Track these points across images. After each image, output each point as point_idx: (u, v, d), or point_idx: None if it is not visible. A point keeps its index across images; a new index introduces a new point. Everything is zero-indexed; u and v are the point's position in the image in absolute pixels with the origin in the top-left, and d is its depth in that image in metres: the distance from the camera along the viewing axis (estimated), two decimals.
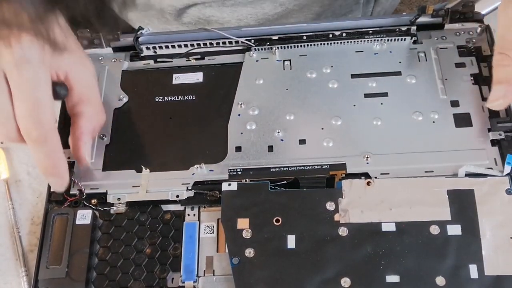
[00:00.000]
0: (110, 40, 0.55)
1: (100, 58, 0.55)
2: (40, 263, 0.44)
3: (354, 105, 0.50)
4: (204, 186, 0.47)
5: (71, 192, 0.48)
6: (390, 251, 0.42)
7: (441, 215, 0.43)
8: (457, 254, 0.41)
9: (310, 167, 0.47)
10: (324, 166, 0.47)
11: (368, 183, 0.45)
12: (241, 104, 0.51)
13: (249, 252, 0.43)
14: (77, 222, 0.46)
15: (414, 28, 0.53)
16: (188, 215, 0.46)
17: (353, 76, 0.52)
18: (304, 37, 0.54)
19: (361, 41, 0.53)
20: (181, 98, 0.53)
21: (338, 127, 0.49)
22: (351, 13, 0.71)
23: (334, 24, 0.54)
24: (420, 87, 0.50)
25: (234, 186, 0.45)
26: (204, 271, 0.44)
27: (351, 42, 0.53)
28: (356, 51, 0.53)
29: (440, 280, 0.41)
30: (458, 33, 0.53)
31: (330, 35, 0.54)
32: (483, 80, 0.50)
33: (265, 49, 0.54)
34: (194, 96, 0.53)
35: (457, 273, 0.41)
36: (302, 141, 0.48)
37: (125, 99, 0.53)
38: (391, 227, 0.43)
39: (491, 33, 0.52)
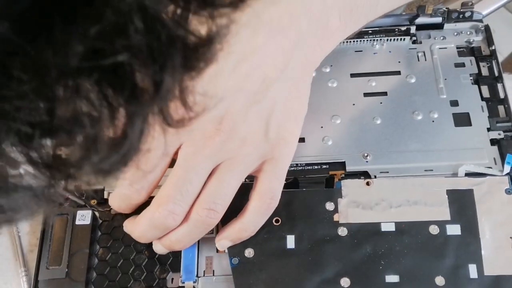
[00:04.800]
0: None
1: None
2: (40, 264, 0.44)
3: (354, 104, 0.50)
4: None
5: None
6: (390, 251, 0.42)
7: (441, 215, 0.43)
8: (457, 254, 0.42)
9: (309, 167, 0.47)
10: (324, 166, 0.47)
11: (367, 183, 0.45)
12: None
13: (249, 252, 0.43)
14: (77, 222, 0.46)
15: (413, 28, 0.53)
16: None
17: (352, 75, 0.52)
18: None
19: (360, 40, 0.53)
20: None
21: (337, 126, 0.49)
22: None
23: None
24: (419, 86, 0.50)
25: None
26: (204, 271, 0.44)
27: (350, 41, 0.53)
28: (355, 51, 0.53)
29: (439, 280, 0.41)
30: (457, 33, 0.53)
31: None
32: (482, 80, 0.50)
33: None
34: None
35: (456, 273, 0.41)
36: (302, 140, 0.48)
37: None
38: (391, 227, 0.43)
39: (491, 33, 0.52)
